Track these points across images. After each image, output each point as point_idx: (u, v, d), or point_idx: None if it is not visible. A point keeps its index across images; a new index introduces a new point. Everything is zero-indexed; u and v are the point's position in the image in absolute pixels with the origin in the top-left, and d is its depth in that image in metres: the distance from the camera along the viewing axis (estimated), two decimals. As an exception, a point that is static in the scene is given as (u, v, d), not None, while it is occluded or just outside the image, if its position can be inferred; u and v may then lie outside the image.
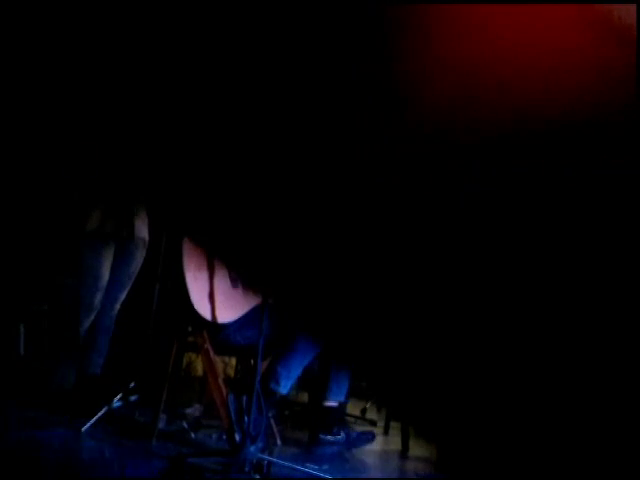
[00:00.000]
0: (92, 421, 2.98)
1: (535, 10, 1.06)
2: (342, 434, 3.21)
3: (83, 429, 2.94)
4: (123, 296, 3.57)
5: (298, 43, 1.17)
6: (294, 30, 1.17)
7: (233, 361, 4.33)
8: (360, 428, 3.90)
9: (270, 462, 2.65)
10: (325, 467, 2.85)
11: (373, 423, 4.24)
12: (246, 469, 2.59)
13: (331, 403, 3.26)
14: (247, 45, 1.23)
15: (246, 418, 2.66)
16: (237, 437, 2.71)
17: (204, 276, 3.00)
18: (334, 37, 1.16)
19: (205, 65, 1.26)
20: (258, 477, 2.60)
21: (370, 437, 3.31)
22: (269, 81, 1.21)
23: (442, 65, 1.12)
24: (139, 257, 3.56)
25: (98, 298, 3.44)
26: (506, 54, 1.08)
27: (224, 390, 2.95)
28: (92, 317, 3.44)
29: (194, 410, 3.48)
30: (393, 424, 3.97)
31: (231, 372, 4.43)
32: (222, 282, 3.05)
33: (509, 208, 1.11)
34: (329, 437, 3.19)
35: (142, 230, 3.54)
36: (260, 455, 2.64)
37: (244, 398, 2.76)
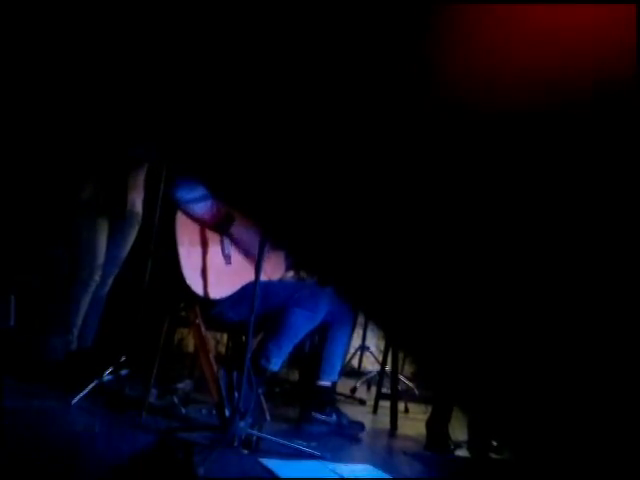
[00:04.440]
0: (82, 394, 2.98)
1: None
2: (334, 416, 3.22)
3: (73, 402, 2.95)
4: (116, 270, 3.57)
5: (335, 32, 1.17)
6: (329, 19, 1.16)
7: (224, 338, 4.35)
8: (350, 407, 3.93)
9: (259, 437, 2.67)
10: (314, 444, 2.86)
11: (362, 402, 4.28)
12: (235, 444, 2.61)
13: (324, 382, 3.27)
14: (270, 36, 1.22)
15: (236, 394, 2.68)
16: (227, 412, 2.72)
17: (197, 251, 2.99)
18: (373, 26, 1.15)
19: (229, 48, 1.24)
20: (247, 452, 2.62)
21: (360, 428, 3.32)
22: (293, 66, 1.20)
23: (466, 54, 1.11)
24: (132, 232, 3.55)
25: (98, 273, 3.43)
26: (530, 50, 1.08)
27: (215, 366, 2.96)
28: (91, 292, 3.44)
29: (185, 385, 3.49)
30: (382, 403, 4.00)
31: (222, 349, 4.44)
32: (215, 258, 3.05)
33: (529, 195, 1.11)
34: (321, 416, 3.21)
35: (136, 204, 3.53)
36: (249, 430, 2.65)
37: (235, 374, 2.77)
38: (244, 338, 2.85)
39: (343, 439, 3.21)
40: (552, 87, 1.02)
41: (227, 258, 3.10)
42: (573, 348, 1.02)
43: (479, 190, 1.08)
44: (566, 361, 1.03)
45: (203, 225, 3.03)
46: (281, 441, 2.74)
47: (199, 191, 3.00)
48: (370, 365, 5.42)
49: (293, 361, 3.99)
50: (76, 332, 3.43)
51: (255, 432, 2.67)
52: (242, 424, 2.63)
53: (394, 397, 3.75)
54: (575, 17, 1.02)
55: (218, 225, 3.05)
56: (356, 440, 3.27)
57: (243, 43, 1.23)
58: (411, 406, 4.24)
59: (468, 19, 1.07)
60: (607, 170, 1.01)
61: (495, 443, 3.15)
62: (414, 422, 3.77)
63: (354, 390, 4.53)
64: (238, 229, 3.09)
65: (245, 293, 2.96)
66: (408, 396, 4.39)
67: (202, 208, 3.00)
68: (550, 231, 1.05)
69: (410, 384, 4.71)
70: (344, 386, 4.44)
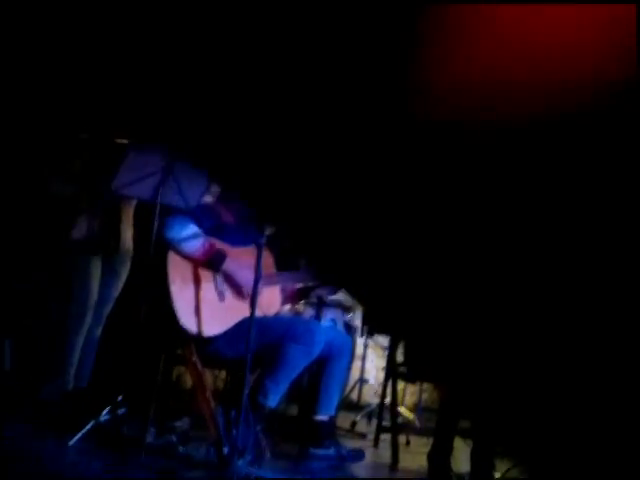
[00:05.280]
0: (80, 435, 2.96)
1: (544, 10, 1.07)
2: (332, 449, 3.19)
3: (70, 443, 2.92)
4: (109, 309, 3.57)
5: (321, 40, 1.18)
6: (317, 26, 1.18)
7: (223, 373, 4.32)
8: (350, 441, 3.90)
9: (258, 476, 2.64)
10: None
11: (363, 436, 4.24)
12: (234, 483, 2.58)
13: (321, 417, 3.25)
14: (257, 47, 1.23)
15: (234, 431, 2.65)
16: (225, 450, 2.69)
17: (190, 289, 2.99)
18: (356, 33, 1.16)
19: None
20: (245, 491, 2.59)
21: (360, 455, 3.30)
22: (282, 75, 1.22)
23: (455, 64, 1.13)
24: (125, 269, 3.56)
25: (91, 312, 3.43)
26: (515, 53, 1.10)
27: (212, 403, 2.94)
28: (85, 331, 3.43)
29: (183, 423, 3.46)
30: (383, 437, 3.97)
31: (220, 384, 4.42)
32: (208, 295, 3.04)
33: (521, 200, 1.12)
34: (319, 451, 3.18)
35: (127, 240, 3.54)
36: (248, 469, 2.63)
37: (232, 411, 2.75)
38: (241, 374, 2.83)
39: (345, 475, 3.18)
40: (552, 87, 1.03)
41: (220, 295, 3.09)
42: (581, 369, 1.02)
43: (481, 193, 1.09)
44: (572, 381, 1.02)
45: (195, 263, 3.04)
46: (280, 479, 2.71)
47: (190, 229, 3.00)
48: (369, 398, 5.39)
49: (292, 396, 3.97)
50: (72, 372, 3.41)
51: (254, 470, 2.64)
52: (241, 462, 2.60)
53: (394, 430, 3.72)
54: (576, 17, 1.03)
55: (210, 263, 3.06)
56: (356, 469, 3.24)
57: (242, 64, 1.24)
58: (412, 439, 4.21)
59: (465, 20, 1.08)
60: (607, 168, 1.01)
61: (497, 475, 3.12)
62: (416, 455, 3.74)
63: (354, 424, 4.49)
64: (230, 266, 3.09)
65: (240, 329, 2.95)
66: (409, 429, 4.36)
67: (193, 246, 3.01)
68: (552, 234, 1.05)
69: (411, 416, 4.67)
70: (344, 420, 4.40)
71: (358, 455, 3.30)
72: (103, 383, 3.49)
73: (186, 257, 3.01)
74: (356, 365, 4.97)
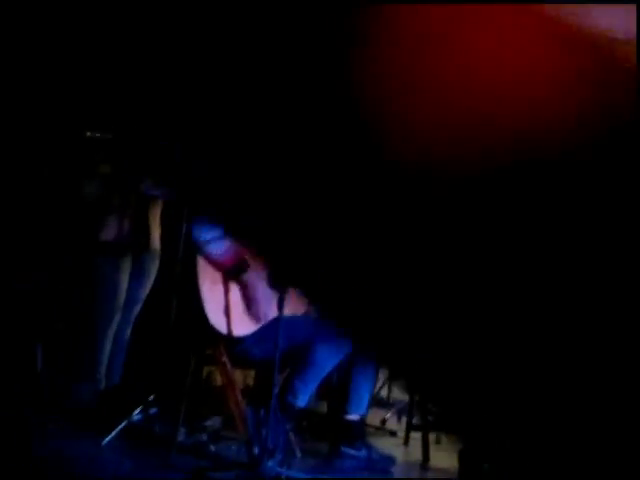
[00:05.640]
0: (112, 434, 2.99)
1: (501, 23, 1.06)
2: (364, 450, 3.18)
3: (103, 442, 2.96)
4: (138, 309, 3.59)
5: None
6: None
7: (253, 371, 4.34)
8: (380, 439, 3.89)
9: (288, 476, 2.65)
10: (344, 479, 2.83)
11: (393, 434, 4.22)
12: (265, 483, 2.59)
13: (352, 417, 3.25)
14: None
15: (264, 431, 2.66)
16: (256, 450, 2.70)
17: (219, 290, 2.99)
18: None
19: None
20: (276, 491, 2.60)
21: (391, 462, 3.27)
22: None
23: (408, 85, 1.12)
24: (153, 269, 3.58)
25: (119, 312, 3.46)
26: (475, 69, 1.09)
27: (242, 403, 2.95)
28: (113, 331, 3.47)
29: (213, 422, 3.48)
30: (413, 434, 3.95)
31: (251, 382, 4.43)
32: (237, 295, 3.05)
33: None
34: (350, 450, 3.18)
35: (156, 240, 3.56)
36: (278, 469, 2.63)
37: (262, 411, 2.76)
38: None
39: (375, 474, 3.18)
40: (552, 88, 1.01)
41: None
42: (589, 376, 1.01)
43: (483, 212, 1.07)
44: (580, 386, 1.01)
45: (217, 270, 3.02)
46: (310, 478, 2.71)
47: (216, 232, 3.00)
48: (400, 394, 5.35)
49: (321, 393, 3.97)
50: (103, 371, 3.45)
51: (284, 470, 2.64)
52: (271, 462, 2.61)
53: (425, 428, 3.70)
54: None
55: (233, 269, 3.03)
56: (387, 474, 3.22)
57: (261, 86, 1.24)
58: (443, 437, 4.18)
59: (458, 22, 1.07)
60: (606, 174, 1.00)
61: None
62: (447, 453, 3.71)
63: (384, 421, 4.48)
64: (251, 278, 3.06)
65: (269, 329, 2.95)
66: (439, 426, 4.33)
67: (219, 249, 3.00)
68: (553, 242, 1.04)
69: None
70: (374, 417, 4.39)
71: (389, 461, 3.28)
72: (135, 383, 3.52)
73: (210, 261, 2.99)
74: (385, 362, 4.94)
